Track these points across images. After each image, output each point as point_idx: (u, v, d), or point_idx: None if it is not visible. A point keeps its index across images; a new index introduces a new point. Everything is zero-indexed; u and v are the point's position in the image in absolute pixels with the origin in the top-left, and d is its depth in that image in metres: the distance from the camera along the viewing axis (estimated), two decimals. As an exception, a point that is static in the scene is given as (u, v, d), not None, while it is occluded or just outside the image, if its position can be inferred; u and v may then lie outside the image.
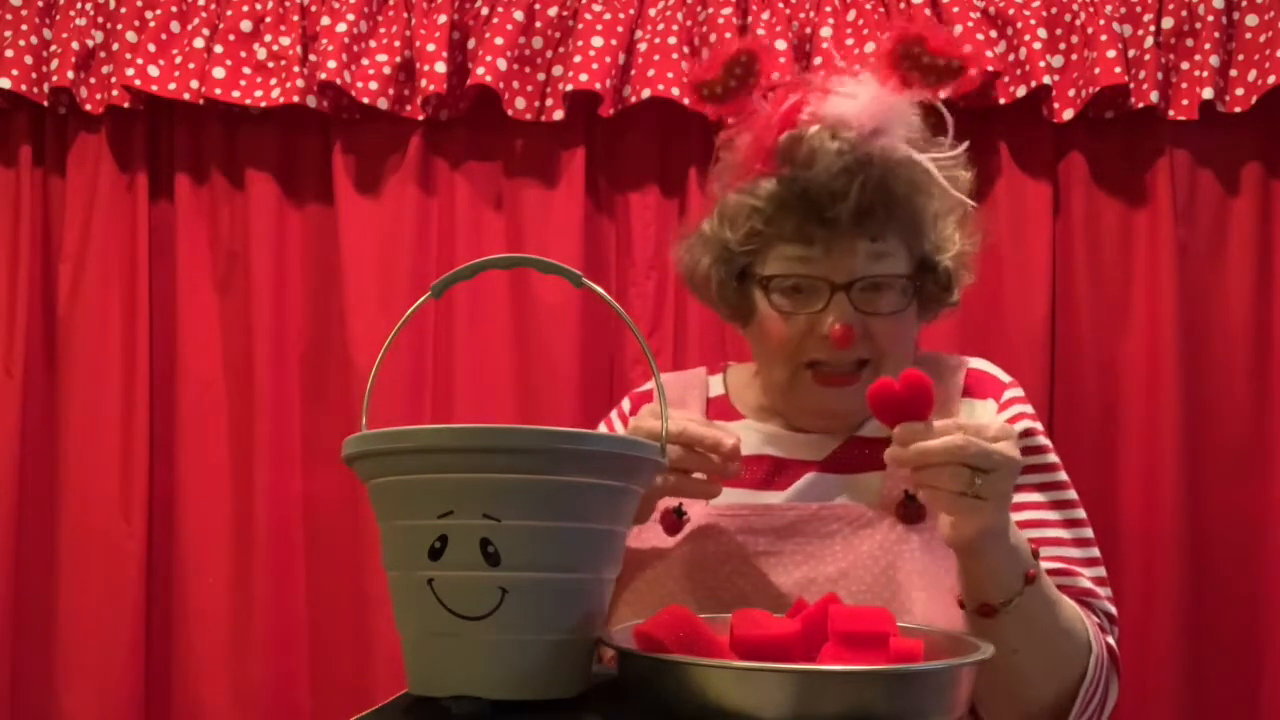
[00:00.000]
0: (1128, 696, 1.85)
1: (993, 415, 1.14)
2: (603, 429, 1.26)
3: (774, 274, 1.09)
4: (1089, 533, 1.13)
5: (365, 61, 1.93)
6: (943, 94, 1.09)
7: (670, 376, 1.27)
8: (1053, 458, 1.15)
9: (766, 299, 1.10)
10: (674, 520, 1.10)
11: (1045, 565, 1.06)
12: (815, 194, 1.04)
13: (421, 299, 0.90)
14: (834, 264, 1.06)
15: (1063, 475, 1.15)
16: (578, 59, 1.89)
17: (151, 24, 1.95)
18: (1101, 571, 1.13)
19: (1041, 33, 1.85)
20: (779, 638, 0.78)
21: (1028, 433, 1.13)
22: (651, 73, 1.87)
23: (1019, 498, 1.08)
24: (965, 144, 1.11)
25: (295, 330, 2.01)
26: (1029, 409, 1.17)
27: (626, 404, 1.28)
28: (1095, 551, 1.13)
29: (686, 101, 1.85)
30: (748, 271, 1.13)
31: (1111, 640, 1.10)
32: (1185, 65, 1.86)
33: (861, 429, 1.15)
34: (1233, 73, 1.86)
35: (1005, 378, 1.20)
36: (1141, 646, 1.83)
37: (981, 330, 1.89)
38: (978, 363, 1.22)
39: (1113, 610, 1.12)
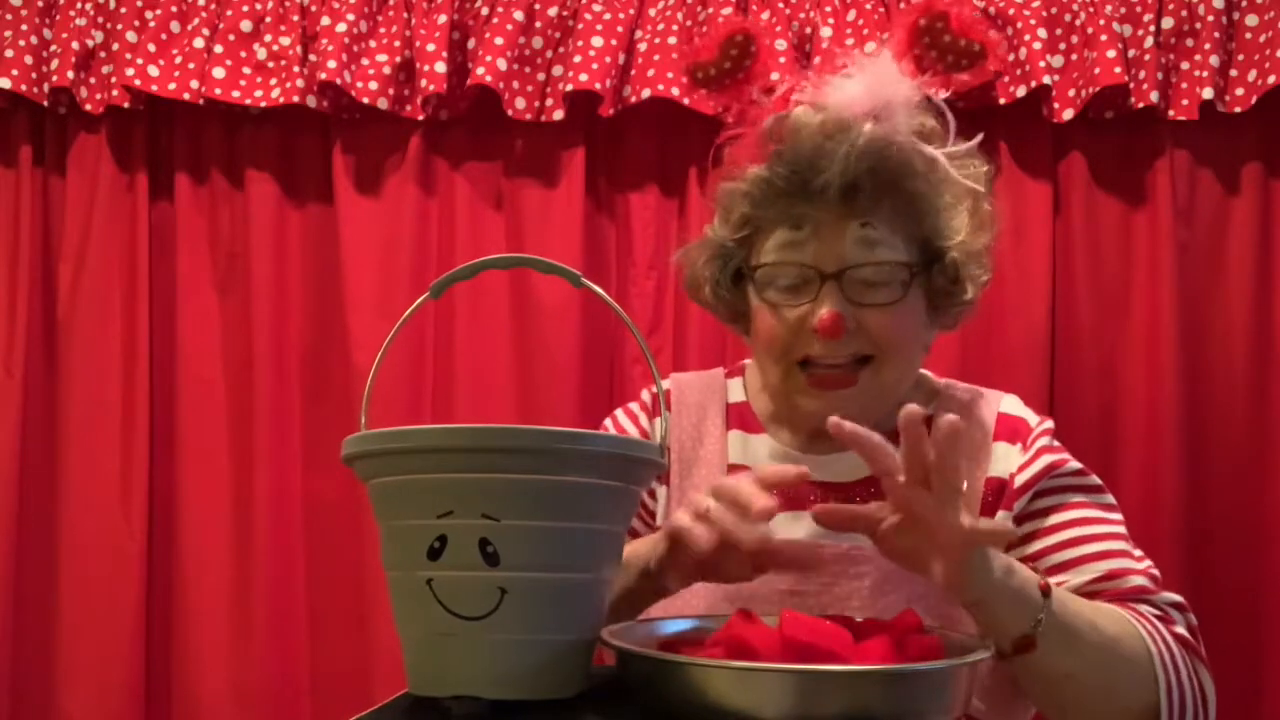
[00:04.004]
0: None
1: (1017, 456, 1.08)
2: (610, 424, 1.21)
3: (764, 262, 1.05)
4: (1132, 545, 1.08)
5: (365, 61, 1.93)
6: (959, 79, 1.06)
7: (690, 377, 1.22)
8: (1095, 479, 1.10)
9: (759, 294, 1.06)
10: None
11: (1094, 573, 1.02)
12: (799, 168, 1.00)
13: (421, 299, 0.90)
14: (823, 249, 1.01)
15: (1109, 496, 1.10)
16: (578, 59, 1.89)
17: (151, 24, 1.95)
18: (1154, 570, 1.06)
19: (1041, 33, 1.85)
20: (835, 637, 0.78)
21: (1052, 466, 1.07)
22: (651, 73, 1.87)
23: (1052, 519, 1.05)
24: (979, 137, 1.08)
25: (295, 330, 2.01)
26: (1056, 444, 1.11)
27: (646, 395, 1.22)
28: (1144, 558, 1.07)
29: (687, 101, 1.85)
30: (742, 269, 1.09)
31: (1182, 629, 1.00)
32: (1185, 65, 1.86)
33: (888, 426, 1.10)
34: (1233, 73, 1.86)
35: (1034, 419, 1.13)
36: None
37: (982, 330, 1.88)
38: (1009, 405, 1.14)
39: (1177, 598, 1.03)
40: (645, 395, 1.22)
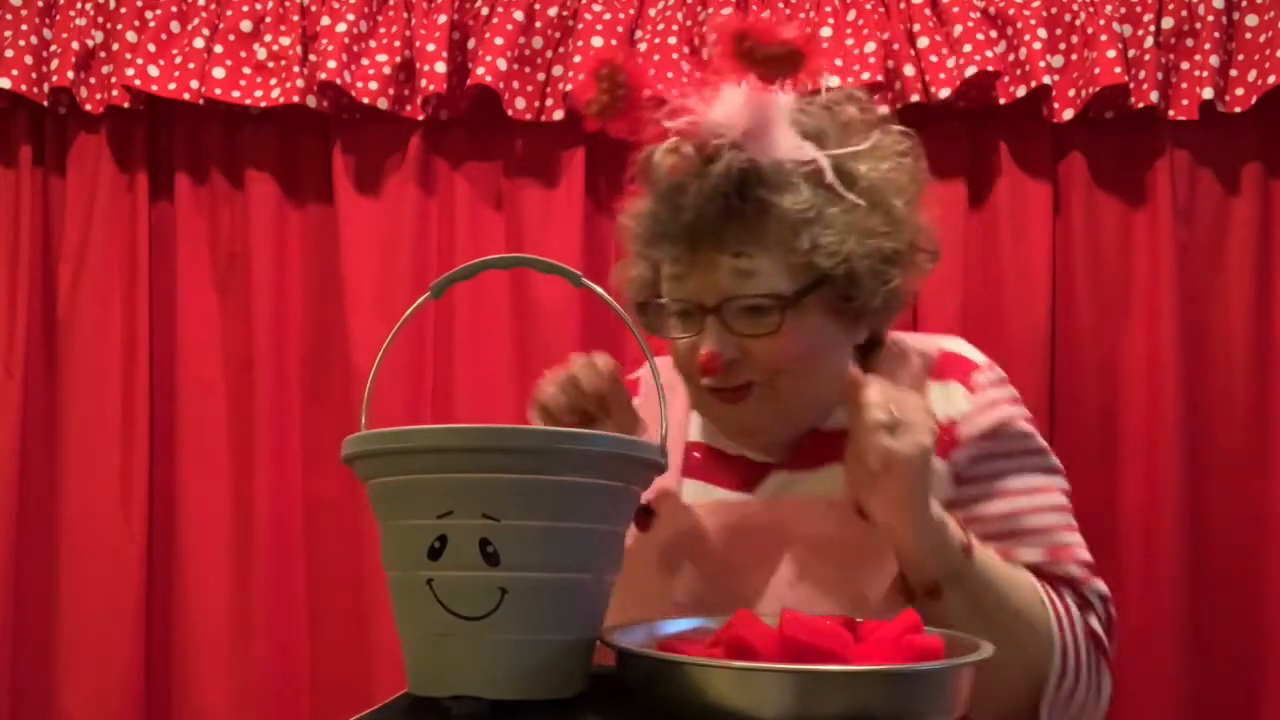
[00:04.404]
0: (1128, 697, 1.85)
1: (961, 400, 1.08)
2: None
3: (652, 300, 1.07)
4: (1071, 516, 1.10)
5: (365, 61, 1.93)
6: (790, 80, 1.02)
7: (662, 360, 1.22)
8: (1040, 441, 1.10)
9: (658, 326, 1.09)
10: (642, 517, 1.09)
11: (1030, 554, 1.05)
12: (663, 208, 1.02)
13: (421, 299, 0.89)
14: (701, 284, 1.01)
15: (1053, 458, 1.11)
16: (578, 59, 1.89)
17: (151, 24, 1.95)
18: (1087, 555, 1.09)
19: (1041, 33, 1.85)
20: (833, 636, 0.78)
21: (1002, 427, 1.08)
22: (652, 73, 1.87)
23: (1014, 481, 1.07)
24: (895, 128, 1.07)
25: (295, 330, 2.01)
26: (1006, 393, 1.10)
27: (637, 376, 1.25)
28: (1077, 531, 1.10)
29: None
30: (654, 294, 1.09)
31: (1097, 623, 1.06)
32: (1185, 65, 1.86)
33: (820, 423, 1.10)
34: (1233, 73, 1.86)
35: (980, 359, 1.13)
36: (1142, 647, 1.83)
37: (982, 330, 1.88)
38: (952, 343, 1.14)
39: (1103, 589, 1.08)
40: (638, 375, 1.24)
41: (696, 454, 1.15)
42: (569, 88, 1.88)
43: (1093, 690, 1.05)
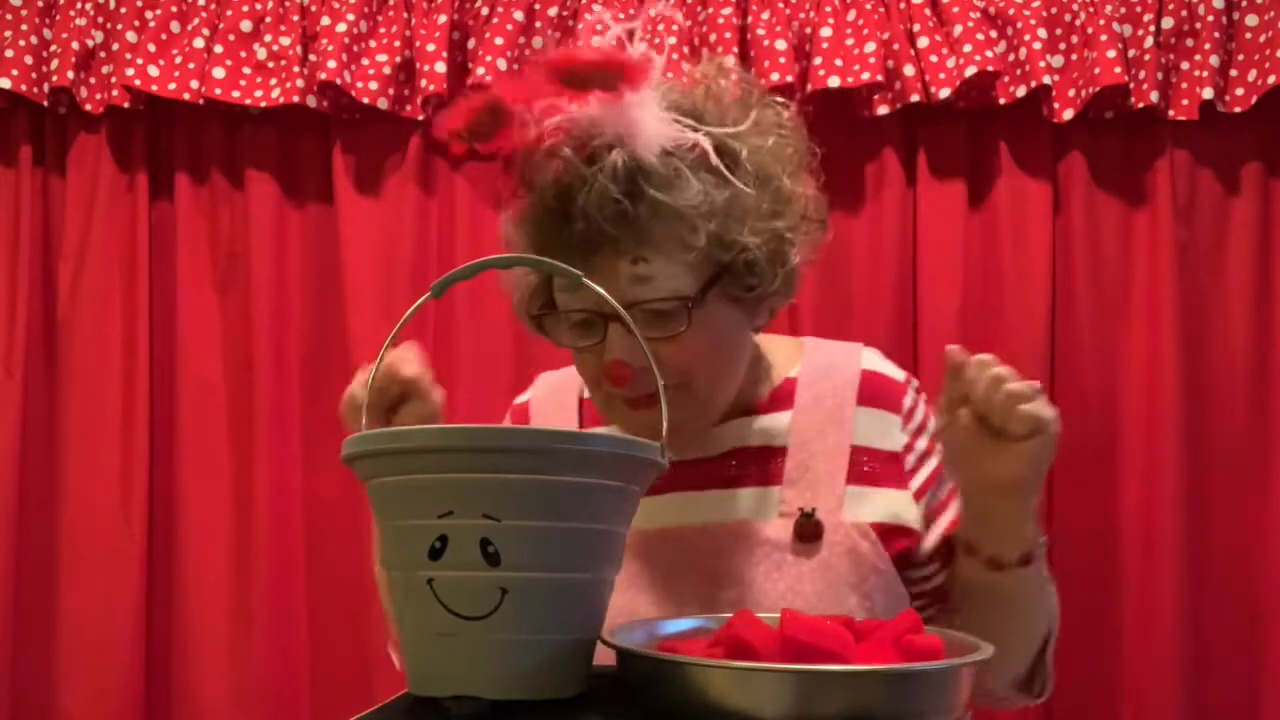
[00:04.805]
0: (1128, 697, 1.85)
1: (898, 433, 1.08)
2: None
3: (547, 313, 1.02)
4: None
5: (365, 61, 1.93)
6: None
7: (553, 377, 1.21)
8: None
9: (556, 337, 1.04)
10: None
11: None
12: (551, 219, 0.96)
13: (421, 299, 0.89)
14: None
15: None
16: (578, 59, 1.89)
17: (151, 24, 1.95)
18: None
19: (1041, 33, 1.85)
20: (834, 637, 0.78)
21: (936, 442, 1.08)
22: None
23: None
24: (776, 101, 1.03)
25: (295, 330, 2.01)
26: (926, 406, 1.11)
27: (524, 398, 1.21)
28: None
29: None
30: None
31: None
32: (1185, 65, 1.86)
33: (752, 438, 1.08)
34: (1233, 73, 1.86)
35: (898, 374, 1.12)
36: (1142, 647, 1.83)
37: (982, 330, 1.89)
38: (869, 359, 1.12)
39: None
40: (516, 402, 1.22)
41: None
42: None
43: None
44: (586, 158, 0.94)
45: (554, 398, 1.19)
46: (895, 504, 1.05)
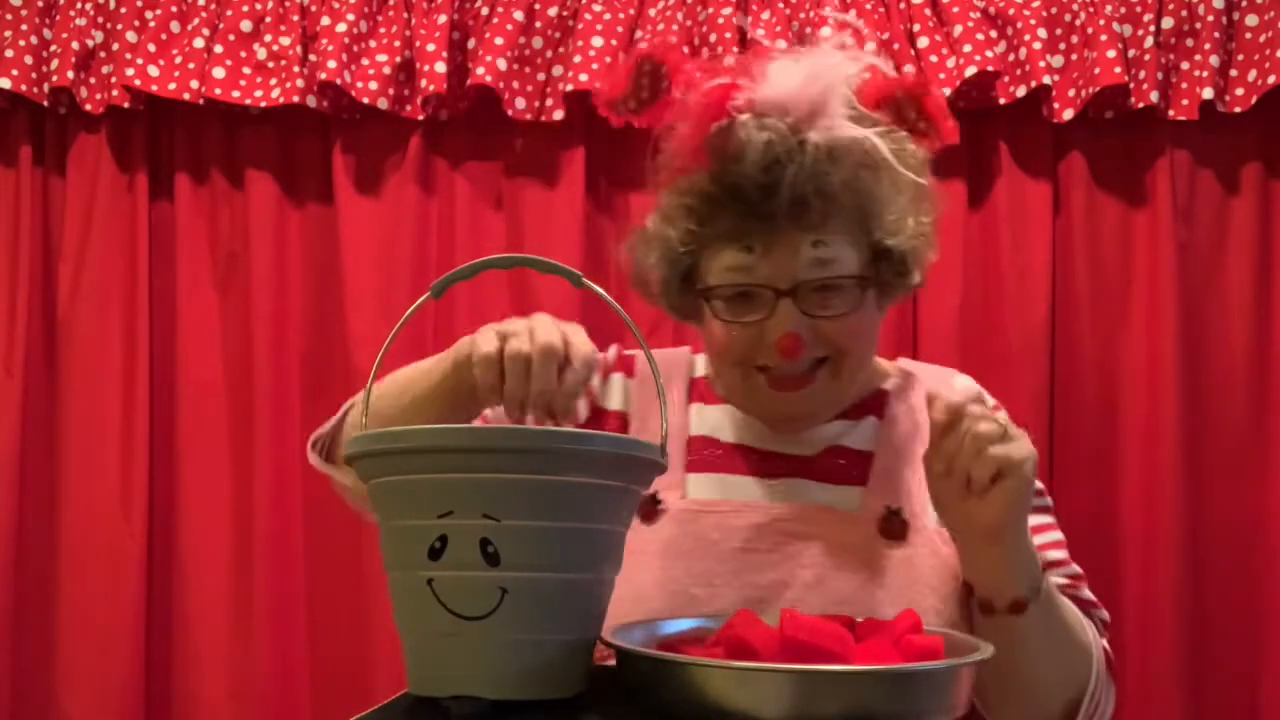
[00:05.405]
0: (1129, 697, 1.85)
1: None
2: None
3: (716, 284, 1.03)
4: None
5: (365, 61, 1.93)
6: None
7: (659, 354, 1.20)
8: (1039, 483, 1.11)
9: (711, 310, 1.04)
10: (650, 508, 1.07)
11: (1059, 580, 1.07)
12: (746, 190, 0.98)
13: (421, 299, 0.89)
14: (775, 268, 0.99)
15: (1049, 499, 1.14)
16: (578, 59, 1.89)
17: (151, 24, 1.95)
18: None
19: (1041, 33, 1.85)
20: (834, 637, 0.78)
21: None
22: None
23: (1034, 520, 1.07)
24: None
25: (295, 330, 2.01)
26: None
27: (612, 352, 1.21)
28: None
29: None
30: (691, 273, 1.06)
31: (1107, 645, 1.09)
32: (1185, 65, 1.86)
33: (842, 438, 1.11)
34: (1233, 73, 1.86)
35: (989, 401, 1.13)
36: (1142, 647, 1.83)
37: (982, 330, 1.89)
38: (963, 382, 1.14)
39: (1107, 617, 1.12)
40: (611, 352, 1.20)
41: (699, 448, 1.13)
42: (569, 87, 1.88)
43: (1107, 706, 1.07)
44: (786, 145, 0.96)
45: (661, 366, 1.16)
46: None
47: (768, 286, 1.00)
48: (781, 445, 1.11)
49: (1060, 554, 1.11)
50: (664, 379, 1.15)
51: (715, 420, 1.14)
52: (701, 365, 1.20)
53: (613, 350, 1.21)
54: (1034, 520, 1.08)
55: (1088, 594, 1.10)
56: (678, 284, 1.08)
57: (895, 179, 1.00)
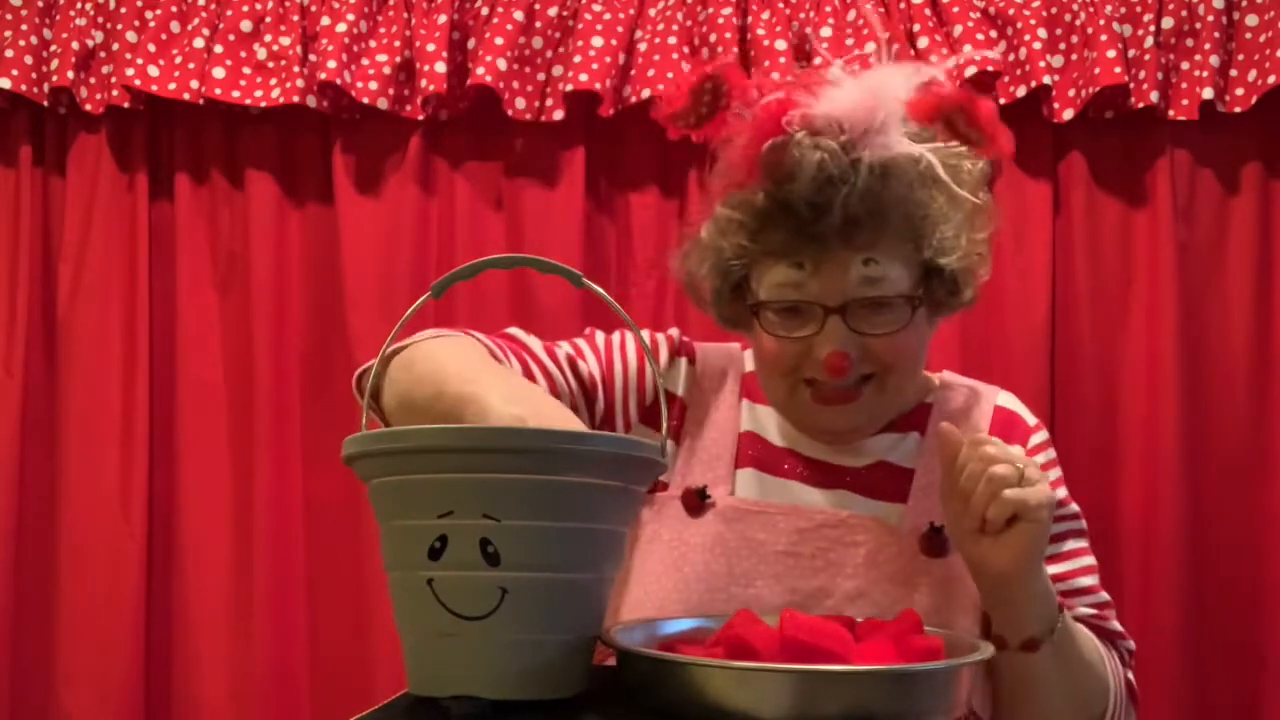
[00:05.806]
0: (1128, 696, 1.85)
1: None
2: (625, 337, 1.19)
3: (765, 300, 1.04)
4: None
5: (365, 61, 1.93)
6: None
7: (711, 347, 1.20)
8: (1075, 506, 1.13)
9: (760, 323, 1.05)
10: (696, 501, 1.08)
11: (1085, 610, 1.07)
12: (798, 208, 0.98)
13: (421, 299, 0.89)
14: (825, 285, 1.00)
15: (1083, 522, 1.14)
16: (578, 59, 1.89)
17: (151, 24, 1.95)
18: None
19: (1041, 33, 1.85)
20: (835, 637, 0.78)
21: (1057, 496, 1.08)
22: (651, 73, 1.87)
23: (1068, 545, 1.09)
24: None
25: (295, 330, 2.01)
26: (1052, 454, 1.15)
27: (676, 333, 1.20)
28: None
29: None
30: (742, 284, 1.07)
31: (1131, 675, 1.10)
32: (1185, 65, 1.86)
33: (890, 454, 1.11)
34: (1233, 73, 1.86)
35: (1031, 419, 1.16)
36: (1142, 648, 1.82)
37: (982, 330, 1.89)
38: (1005, 399, 1.17)
39: (1133, 646, 1.12)
40: (675, 332, 1.20)
41: (748, 444, 1.13)
42: (569, 87, 1.88)
43: None
44: (840, 165, 0.96)
45: (718, 359, 1.18)
46: None
47: (817, 303, 1.00)
48: (830, 455, 1.11)
49: (1090, 580, 1.10)
50: (720, 368, 1.17)
51: (765, 420, 1.14)
52: (750, 361, 1.19)
53: (675, 331, 1.20)
54: (1068, 545, 1.10)
55: (1115, 625, 1.10)
56: (728, 294, 1.08)
57: (951, 196, 1.00)
